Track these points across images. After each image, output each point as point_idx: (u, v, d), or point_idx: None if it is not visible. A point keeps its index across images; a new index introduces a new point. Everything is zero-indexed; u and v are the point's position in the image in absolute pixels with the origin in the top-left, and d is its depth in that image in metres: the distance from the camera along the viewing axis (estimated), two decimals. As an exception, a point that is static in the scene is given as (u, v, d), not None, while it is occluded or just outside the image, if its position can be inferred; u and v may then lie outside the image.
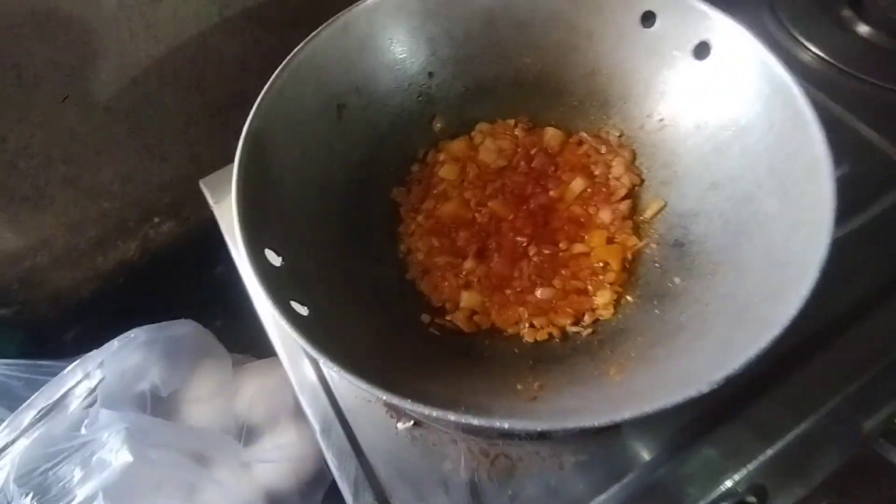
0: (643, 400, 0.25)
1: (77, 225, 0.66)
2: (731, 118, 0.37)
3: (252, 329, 0.61)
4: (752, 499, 0.38)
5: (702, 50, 0.38)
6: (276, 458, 0.48)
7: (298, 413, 0.55)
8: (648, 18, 0.40)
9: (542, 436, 0.38)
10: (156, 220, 0.72)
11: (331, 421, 0.39)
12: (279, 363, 0.57)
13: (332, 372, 0.27)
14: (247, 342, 0.67)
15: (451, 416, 0.24)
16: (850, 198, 0.45)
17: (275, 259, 0.32)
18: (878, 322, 0.40)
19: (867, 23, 0.56)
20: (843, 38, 0.55)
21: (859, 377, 0.38)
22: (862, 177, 0.46)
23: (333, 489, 0.50)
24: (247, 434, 0.50)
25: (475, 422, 0.24)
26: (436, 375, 0.31)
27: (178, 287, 0.72)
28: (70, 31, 0.50)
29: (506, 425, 0.24)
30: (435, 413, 0.24)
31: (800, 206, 0.31)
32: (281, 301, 0.29)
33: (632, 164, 0.42)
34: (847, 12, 0.57)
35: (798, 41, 0.56)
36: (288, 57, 0.38)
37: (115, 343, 0.43)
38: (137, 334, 0.44)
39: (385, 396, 0.25)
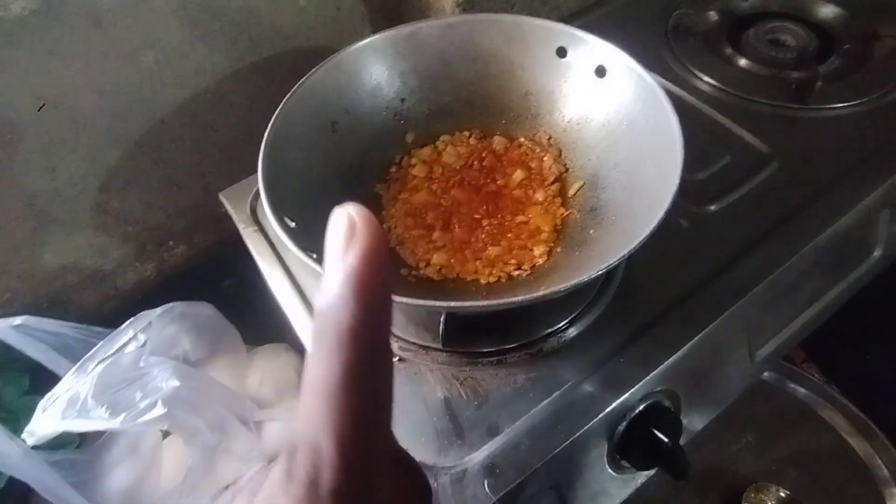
0: (554, 287, 0.36)
1: (104, 248, 0.76)
2: (624, 116, 0.50)
3: (254, 334, 0.71)
4: (667, 403, 0.48)
5: (601, 71, 0.52)
6: (285, 417, 0.56)
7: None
8: (562, 52, 0.53)
9: (500, 361, 0.48)
10: (171, 243, 0.83)
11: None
12: (283, 348, 0.67)
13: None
14: (250, 341, 0.76)
15: (420, 302, 0.35)
16: (730, 179, 0.59)
17: (290, 223, 0.43)
18: (750, 266, 0.52)
19: (744, 56, 0.72)
20: (727, 69, 0.71)
21: (734, 303, 0.49)
22: (739, 164, 0.59)
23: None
24: (259, 404, 0.59)
25: (437, 304, 0.35)
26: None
27: (189, 300, 0.81)
28: (115, 81, 0.63)
29: (457, 304, 0.35)
30: (411, 301, 0.35)
31: (665, 169, 0.43)
32: (299, 246, 0.40)
33: (559, 158, 0.55)
34: (729, 50, 0.73)
35: (693, 73, 0.71)
36: (294, 87, 0.51)
37: (158, 310, 0.53)
38: (175, 306, 0.54)
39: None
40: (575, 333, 0.49)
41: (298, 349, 0.67)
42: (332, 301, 0.17)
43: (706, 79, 0.70)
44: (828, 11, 0.75)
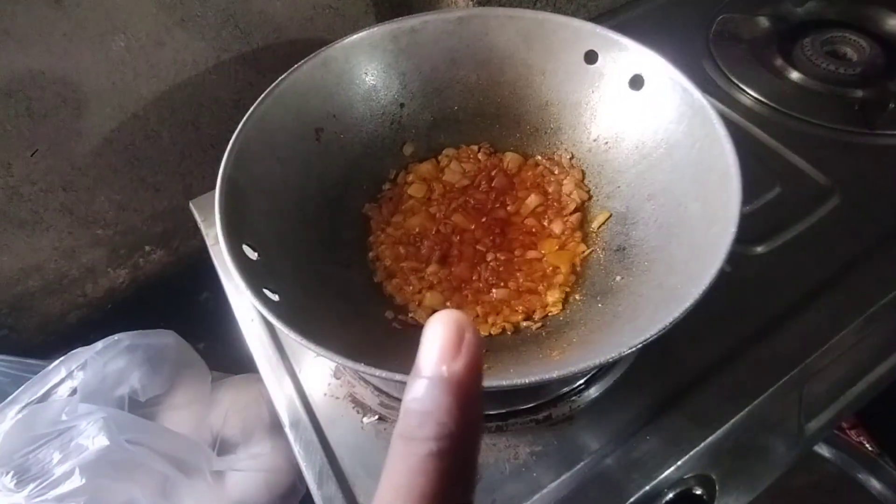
0: (570, 365, 0.28)
1: (70, 252, 0.69)
2: (662, 138, 0.42)
3: (233, 352, 0.63)
4: (699, 490, 0.40)
5: (636, 81, 0.43)
6: (249, 467, 0.49)
7: (273, 427, 0.56)
8: (591, 57, 0.45)
9: (500, 428, 0.40)
10: (147, 248, 0.75)
11: (300, 416, 0.41)
12: (255, 379, 0.59)
13: (293, 339, 0.30)
14: (228, 364, 0.69)
15: (398, 377, 0.27)
16: (782, 215, 0.50)
17: (251, 254, 0.36)
18: (806, 323, 0.43)
19: (797, 69, 0.63)
20: (776, 83, 0.62)
21: (786, 374, 0.41)
22: (792, 197, 0.51)
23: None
24: (220, 445, 0.52)
25: (400, 379, 0.27)
26: (393, 357, 0.34)
27: (164, 312, 0.74)
28: (80, 69, 0.55)
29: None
30: (384, 374, 0.27)
31: (714, 207, 0.35)
32: (254, 286, 0.32)
33: (581, 182, 0.46)
34: (779, 61, 0.64)
35: (736, 85, 0.62)
36: (272, 85, 0.43)
37: (98, 345, 0.45)
38: (121, 338, 0.46)
39: (343, 361, 0.28)
40: (591, 398, 0.41)
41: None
42: (431, 408, 0.16)
43: (752, 93, 0.61)
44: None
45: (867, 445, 0.59)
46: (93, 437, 0.37)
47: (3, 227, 0.62)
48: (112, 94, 0.59)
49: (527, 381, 0.27)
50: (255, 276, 0.33)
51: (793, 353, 0.42)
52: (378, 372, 0.27)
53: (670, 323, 0.28)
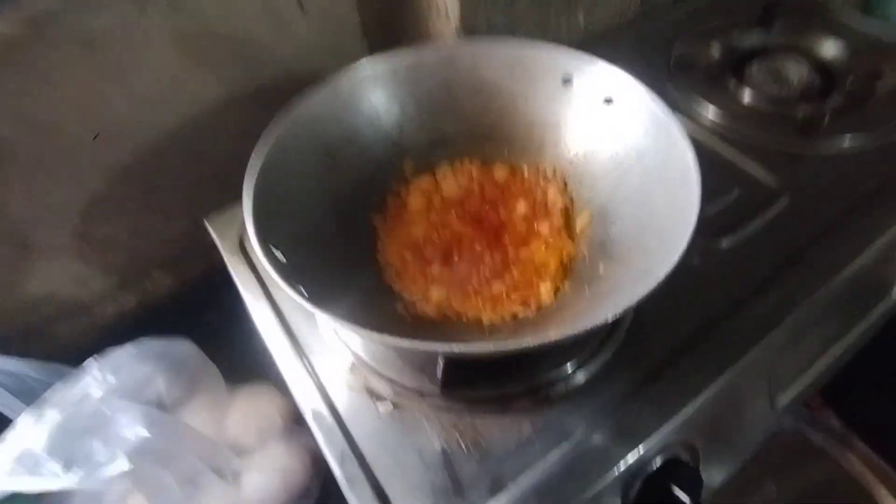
0: (568, 330, 0.33)
1: (83, 278, 0.72)
2: (633, 147, 0.48)
3: (238, 367, 0.67)
4: (686, 457, 0.44)
5: (609, 100, 0.50)
6: (266, 467, 0.52)
7: (286, 433, 0.59)
8: (568, 81, 0.52)
9: (504, 409, 0.44)
10: (154, 273, 0.79)
11: (320, 408, 0.45)
12: (266, 388, 0.62)
13: (328, 318, 0.34)
14: (233, 379, 0.72)
15: (411, 343, 0.32)
16: (741, 214, 0.57)
17: (278, 255, 0.40)
18: (765, 304, 0.49)
19: (747, 91, 0.71)
20: (730, 103, 0.70)
21: (753, 345, 0.46)
22: (748, 199, 0.57)
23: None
24: (239, 451, 0.55)
25: (430, 347, 0.32)
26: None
27: (171, 333, 0.77)
28: (110, 103, 0.60)
29: (456, 349, 0.32)
30: (403, 343, 0.32)
31: (679, 203, 0.40)
32: (286, 280, 0.37)
33: (564, 189, 0.52)
34: (732, 84, 0.72)
35: (695, 105, 0.70)
36: (284, 108, 0.48)
37: (128, 346, 0.49)
38: (149, 342, 0.50)
39: (363, 333, 0.33)
40: (584, 377, 0.45)
41: (283, 388, 0.63)
42: None
43: (710, 111, 0.69)
44: (830, 48, 0.74)
45: (833, 422, 0.65)
46: (133, 429, 0.41)
47: (21, 255, 0.66)
48: (132, 129, 0.64)
49: (524, 344, 0.32)
50: (283, 273, 0.38)
51: (756, 329, 0.47)
52: (396, 341, 0.32)
53: (644, 295, 0.34)
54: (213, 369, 0.56)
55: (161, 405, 0.49)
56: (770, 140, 0.64)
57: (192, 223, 0.77)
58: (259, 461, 0.53)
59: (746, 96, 0.70)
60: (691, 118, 0.68)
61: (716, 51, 0.75)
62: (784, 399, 0.51)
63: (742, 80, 0.72)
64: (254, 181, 0.43)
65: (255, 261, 0.55)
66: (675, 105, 0.69)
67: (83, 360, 0.76)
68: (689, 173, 0.41)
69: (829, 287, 0.50)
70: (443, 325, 0.44)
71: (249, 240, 0.39)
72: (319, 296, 0.40)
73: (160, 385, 0.49)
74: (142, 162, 0.67)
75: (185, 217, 0.76)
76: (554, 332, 0.33)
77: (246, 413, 0.57)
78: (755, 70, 0.73)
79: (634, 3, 0.83)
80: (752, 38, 0.78)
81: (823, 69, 0.72)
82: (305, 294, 0.35)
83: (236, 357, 0.67)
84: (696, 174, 0.40)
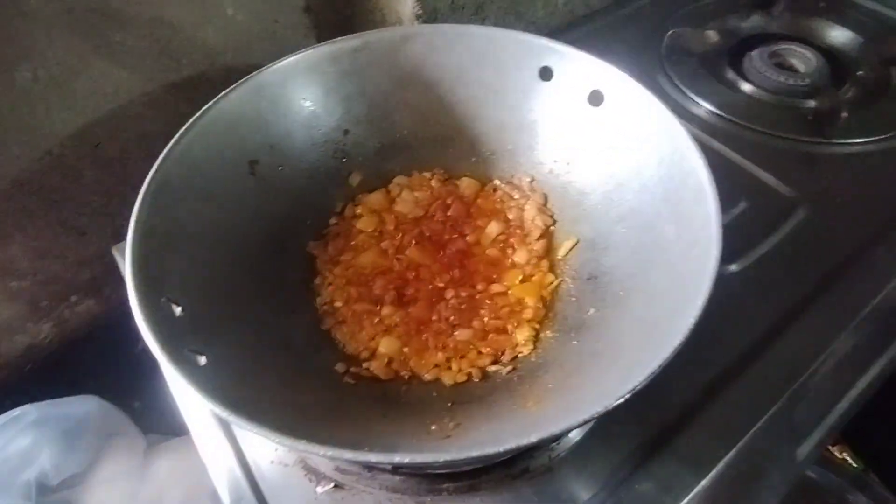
0: (552, 423, 0.24)
1: (-20, 308, 0.61)
2: (627, 157, 0.39)
3: (173, 409, 0.56)
4: (695, 539, 0.36)
5: (596, 97, 0.41)
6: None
7: (219, 497, 0.50)
8: (546, 73, 0.43)
9: (472, 487, 0.35)
10: (73, 298, 0.68)
11: (242, 491, 0.36)
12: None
13: (226, 419, 0.25)
14: (168, 423, 0.61)
15: (348, 454, 0.22)
16: (748, 232, 0.48)
17: (174, 309, 0.30)
18: (789, 346, 0.41)
19: (748, 81, 0.62)
20: (730, 95, 0.61)
21: (775, 402, 0.38)
22: (758, 212, 0.49)
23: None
24: (157, 526, 0.45)
25: (373, 459, 0.22)
26: (345, 421, 0.30)
27: (95, 369, 0.66)
28: (-20, 102, 0.49)
29: (406, 459, 0.22)
30: (330, 452, 0.23)
31: (691, 228, 0.32)
32: (173, 350, 0.27)
33: (544, 206, 0.43)
34: (730, 74, 0.64)
35: (691, 98, 0.61)
36: (196, 114, 0.38)
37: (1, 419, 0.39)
38: (26, 412, 0.40)
39: (277, 439, 0.23)
40: (571, 444, 0.37)
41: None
42: None
43: (707, 106, 0.60)
44: (838, 35, 0.66)
45: (851, 462, 0.58)
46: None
47: None
48: (20, 131, 0.52)
49: (501, 448, 0.23)
50: (175, 336, 0.28)
51: (778, 380, 0.39)
52: (323, 450, 0.23)
53: (659, 366, 0.25)
54: (128, 427, 0.46)
55: (44, 486, 0.39)
56: (779, 139, 0.56)
57: (114, 240, 0.66)
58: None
59: (748, 87, 0.62)
60: (687, 113, 0.59)
61: (712, 37, 0.66)
62: (805, 449, 0.43)
63: (742, 69, 0.64)
64: (145, 211, 0.33)
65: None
66: (667, 98, 0.61)
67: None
68: (702, 192, 0.32)
69: (860, 320, 0.42)
70: (394, 389, 0.35)
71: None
72: (229, 361, 0.30)
73: (45, 461, 0.39)
74: (37, 170, 0.55)
75: (103, 234, 0.65)
76: (533, 423, 0.24)
77: (168, 476, 0.47)
78: (756, 58, 0.64)
79: (619, -19, 0.74)
80: (750, 23, 0.69)
81: (831, 56, 0.64)
82: (194, 373, 0.26)
83: (168, 400, 0.58)
84: (713, 193, 0.32)
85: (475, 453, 0.23)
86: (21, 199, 0.57)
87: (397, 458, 0.22)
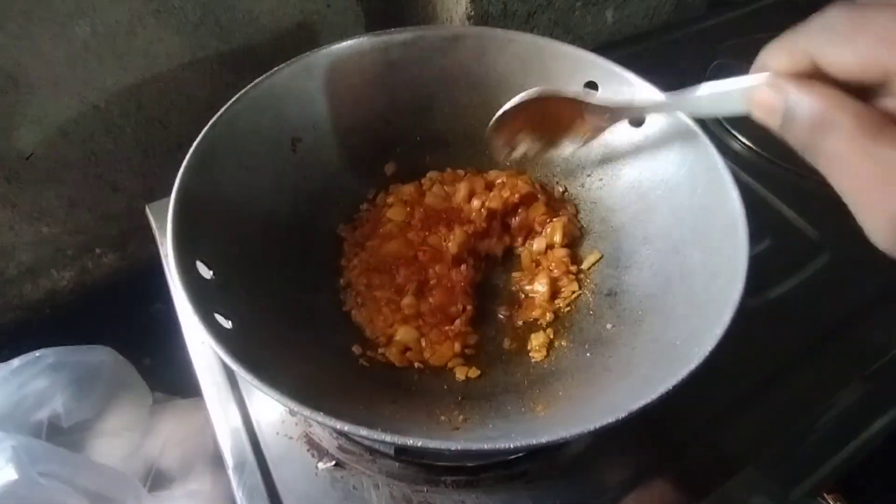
0: (561, 428, 0.24)
1: (9, 248, 0.63)
2: (662, 180, 0.40)
3: (181, 370, 0.57)
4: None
5: (637, 119, 0.41)
6: (185, 506, 0.44)
7: (217, 461, 0.51)
8: (591, 88, 0.43)
9: (469, 483, 0.36)
10: (97, 250, 0.69)
11: (246, 456, 0.36)
12: (200, 405, 0.54)
13: (242, 376, 0.26)
14: (175, 384, 0.63)
15: (363, 431, 0.23)
16: (770, 269, 0.48)
17: (205, 272, 0.31)
18: (790, 389, 0.41)
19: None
20: (767, 132, 0.61)
21: (776, 441, 0.38)
22: (782, 251, 0.49)
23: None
24: (154, 478, 0.46)
25: (387, 438, 0.23)
26: (357, 400, 0.30)
27: (110, 322, 0.68)
28: (37, 51, 0.50)
29: (419, 443, 0.23)
30: (346, 427, 0.23)
31: (718, 258, 0.32)
32: (203, 310, 0.28)
33: (573, 218, 0.44)
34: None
35: (727, 129, 0.61)
36: (248, 86, 0.39)
37: (14, 362, 0.40)
38: (44, 355, 0.41)
39: (296, 407, 0.24)
40: (570, 454, 0.37)
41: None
42: None
43: (743, 140, 0.60)
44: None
45: (844, 512, 0.57)
46: (-1, 470, 0.32)
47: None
48: (72, 82, 0.54)
49: (511, 445, 0.23)
50: (206, 298, 0.29)
51: (782, 419, 0.39)
52: (340, 424, 0.23)
53: (672, 387, 0.25)
54: (137, 382, 0.47)
55: (58, 427, 0.40)
56: (810, 180, 0.56)
57: (145, 199, 0.67)
58: (177, 498, 0.44)
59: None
60: (722, 145, 0.59)
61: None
62: (800, 491, 0.43)
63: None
64: (188, 174, 0.34)
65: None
66: (704, 127, 0.61)
67: (5, 342, 0.67)
68: (734, 225, 0.32)
69: (871, 372, 0.42)
70: (406, 378, 0.36)
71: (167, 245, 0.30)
72: (252, 329, 0.31)
73: (58, 404, 0.40)
74: (82, 122, 0.57)
75: (135, 191, 0.66)
76: (542, 425, 0.25)
77: (171, 435, 0.49)
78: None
79: (669, 3, 0.74)
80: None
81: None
82: (220, 334, 0.26)
83: (180, 357, 0.59)
84: (745, 227, 0.32)
85: (486, 446, 0.23)
86: (63, 148, 0.58)
87: (410, 442, 0.23)
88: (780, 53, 0.22)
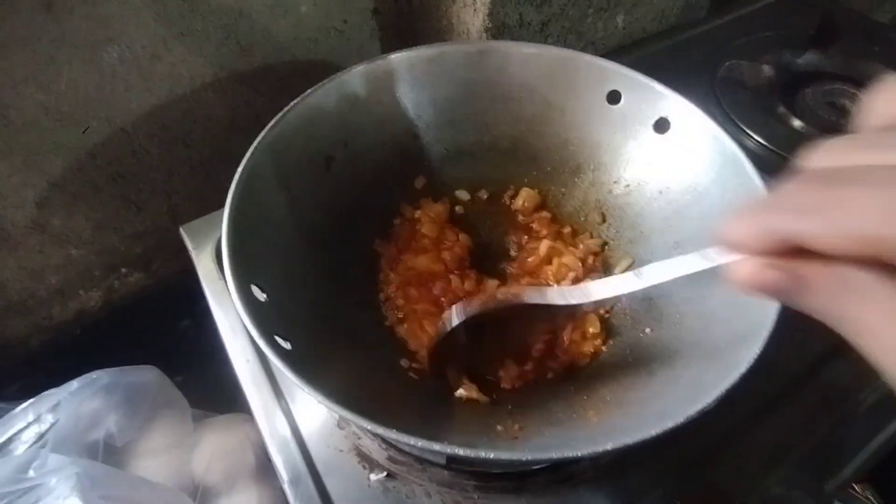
0: (623, 434, 0.26)
1: (39, 271, 0.64)
2: (690, 184, 0.41)
3: (214, 386, 0.58)
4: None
5: (661, 125, 0.42)
6: (233, 519, 0.45)
7: (259, 475, 0.52)
8: (614, 97, 0.44)
9: (517, 489, 0.37)
10: (123, 270, 0.70)
11: (300, 471, 0.37)
12: (241, 420, 0.55)
13: (317, 400, 0.26)
14: (207, 399, 0.64)
15: (436, 447, 0.24)
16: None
17: (260, 295, 0.32)
18: (826, 382, 0.42)
19: (799, 117, 0.63)
20: (780, 129, 0.62)
21: (814, 434, 0.39)
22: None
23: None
24: (203, 495, 0.47)
25: (461, 452, 0.24)
26: (416, 415, 0.31)
27: (140, 340, 0.69)
28: (70, 79, 0.51)
29: (491, 455, 0.24)
30: (420, 443, 0.24)
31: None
32: (266, 334, 0.29)
33: (601, 224, 0.45)
34: (781, 108, 0.65)
35: (741, 129, 0.62)
36: (283, 111, 0.40)
37: (74, 384, 0.41)
38: (99, 376, 0.42)
39: (370, 426, 0.25)
40: (612, 458, 0.38)
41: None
42: None
43: (756, 137, 0.62)
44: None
45: (872, 501, 0.59)
46: (64, 499, 0.33)
47: (-36, 243, 0.57)
48: (100, 107, 0.55)
49: (578, 453, 0.24)
50: (265, 321, 0.30)
51: (818, 412, 0.40)
52: (413, 440, 0.24)
53: (725, 390, 0.26)
54: (179, 399, 0.48)
55: (111, 447, 0.41)
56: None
57: (170, 217, 0.69)
58: (224, 512, 0.45)
59: (798, 123, 0.63)
60: (737, 143, 0.60)
61: (766, 71, 0.67)
62: (834, 483, 0.44)
63: (793, 105, 0.65)
64: (237, 197, 0.35)
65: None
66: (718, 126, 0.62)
67: (38, 363, 0.68)
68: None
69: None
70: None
71: (224, 272, 0.31)
72: (308, 349, 0.32)
73: (111, 424, 0.41)
74: (109, 145, 0.58)
75: (159, 210, 0.67)
76: (602, 433, 0.26)
77: (215, 451, 0.50)
78: (809, 95, 0.65)
79: (677, 6, 0.75)
80: (804, 60, 0.70)
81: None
82: (285, 357, 0.27)
83: (211, 373, 0.60)
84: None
85: (555, 455, 0.24)
86: (91, 171, 0.59)
87: (482, 454, 0.24)
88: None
